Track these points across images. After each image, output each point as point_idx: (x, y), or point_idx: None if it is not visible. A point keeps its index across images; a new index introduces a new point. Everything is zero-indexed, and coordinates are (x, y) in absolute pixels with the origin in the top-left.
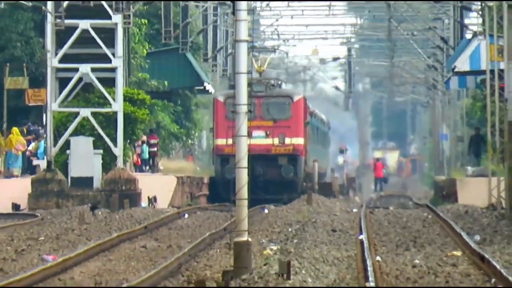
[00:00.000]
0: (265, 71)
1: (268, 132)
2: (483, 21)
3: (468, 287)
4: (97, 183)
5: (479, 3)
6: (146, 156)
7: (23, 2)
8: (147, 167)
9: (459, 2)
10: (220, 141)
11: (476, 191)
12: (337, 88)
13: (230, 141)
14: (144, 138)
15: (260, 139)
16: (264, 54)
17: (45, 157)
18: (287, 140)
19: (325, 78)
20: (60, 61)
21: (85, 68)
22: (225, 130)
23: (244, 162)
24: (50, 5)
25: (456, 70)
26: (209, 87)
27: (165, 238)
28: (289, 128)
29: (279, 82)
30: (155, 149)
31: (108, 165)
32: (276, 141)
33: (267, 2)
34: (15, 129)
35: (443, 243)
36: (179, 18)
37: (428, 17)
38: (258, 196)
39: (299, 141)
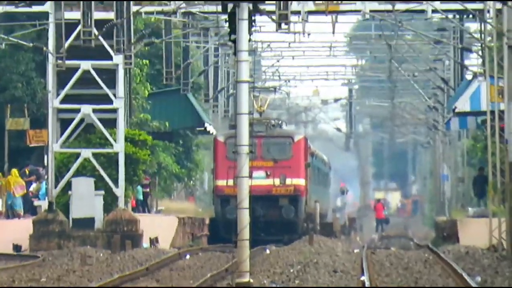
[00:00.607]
0: (266, 112)
1: (268, 173)
2: (483, 62)
3: None
4: (98, 224)
5: (479, 44)
6: (141, 197)
7: (24, 43)
8: (143, 208)
9: (459, 43)
10: (221, 182)
11: (477, 232)
12: (338, 129)
13: (230, 182)
14: None
15: (261, 179)
16: (264, 94)
17: (46, 198)
18: (288, 181)
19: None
20: (62, 102)
21: (86, 109)
22: (225, 170)
23: (246, 203)
24: (51, 45)
25: (456, 110)
26: (210, 127)
27: (167, 279)
28: (290, 169)
29: (280, 122)
30: (148, 189)
31: (109, 206)
32: (277, 181)
33: (268, 43)
34: (14, 171)
35: (444, 284)
36: (180, 59)
37: (429, 58)
38: (258, 236)
39: (300, 181)
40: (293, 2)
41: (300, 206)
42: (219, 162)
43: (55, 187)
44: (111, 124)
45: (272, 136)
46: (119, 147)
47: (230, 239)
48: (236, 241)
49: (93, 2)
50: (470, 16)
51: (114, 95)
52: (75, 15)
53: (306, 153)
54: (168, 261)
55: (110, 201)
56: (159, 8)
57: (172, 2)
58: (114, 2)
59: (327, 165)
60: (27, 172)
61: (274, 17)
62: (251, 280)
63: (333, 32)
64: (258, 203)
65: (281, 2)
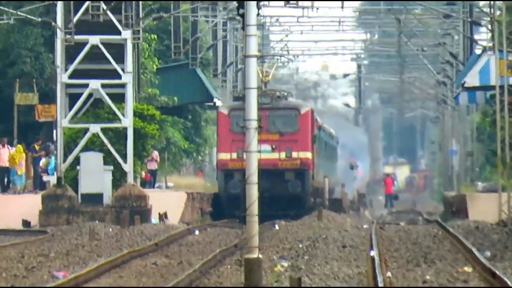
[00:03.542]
0: (271, 83)
1: (274, 146)
2: (493, 36)
3: None
4: (107, 200)
5: (488, 18)
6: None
7: (33, 18)
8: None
9: (468, 17)
10: (224, 156)
11: (486, 206)
12: (347, 105)
13: (234, 155)
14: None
15: (266, 153)
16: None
17: (55, 173)
18: (294, 154)
19: (335, 94)
20: (70, 77)
21: (95, 84)
22: (229, 144)
23: (255, 178)
24: (59, 20)
25: (465, 85)
26: (218, 103)
27: (176, 255)
28: (296, 142)
29: (285, 94)
30: (155, 167)
31: (118, 181)
32: (282, 155)
33: (276, 17)
34: (19, 147)
35: (453, 259)
36: (188, 34)
37: (438, 33)
38: (264, 212)
39: (307, 155)
40: None
41: (307, 181)
42: (222, 135)
43: (64, 162)
44: (119, 99)
45: (278, 108)
46: (127, 122)
47: (233, 214)
48: (243, 216)
49: None
50: None
51: (123, 70)
52: None
53: (313, 126)
54: (177, 236)
55: (118, 177)
56: None
57: None
58: None
59: (334, 139)
60: (36, 147)
61: None
62: (260, 256)
63: (342, 7)
64: (263, 178)
65: None
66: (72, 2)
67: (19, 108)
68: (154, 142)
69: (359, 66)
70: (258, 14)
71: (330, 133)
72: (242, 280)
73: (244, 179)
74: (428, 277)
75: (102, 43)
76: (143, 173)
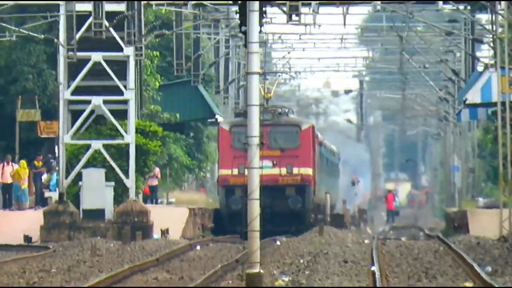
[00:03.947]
0: (272, 99)
1: (275, 162)
2: (495, 53)
3: None
4: (108, 215)
5: (490, 35)
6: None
7: (35, 35)
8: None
9: (470, 34)
10: (225, 172)
11: (487, 222)
12: (349, 121)
13: (235, 171)
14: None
15: (267, 169)
16: (271, 78)
17: (57, 189)
18: (295, 170)
19: (337, 110)
20: (72, 93)
21: (97, 100)
22: (230, 160)
23: (256, 194)
24: (62, 37)
25: (467, 102)
26: (220, 119)
27: (177, 270)
28: (297, 158)
29: (287, 110)
30: (156, 183)
31: (120, 197)
32: (283, 171)
33: (279, 34)
34: (22, 162)
35: (454, 275)
36: (191, 51)
37: (440, 50)
38: (264, 228)
39: (308, 171)
40: None
41: (307, 197)
42: (223, 151)
43: (66, 178)
44: (121, 115)
45: (279, 124)
46: (129, 138)
47: (234, 230)
48: (244, 232)
49: None
50: (481, 7)
51: (125, 86)
52: (86, 6)
53: (314, 142)
54: (178, 252)
55: (120, 192)
56: (169, 0)
57: None
58: None
59: (336, 155)
60: (36, 164)
61: (284, 8)
62: (262, 271)
63: (344, 24)
64: (264, 193)
65: None
66: (74, 19)
67: (21, 124)
68: (156, 158)
69: (361, 83)
70: (260, 32)
71: (332, 150)
72: None
73: (245, 195)
74: None
75: (105, 60)
76: (142, 187)
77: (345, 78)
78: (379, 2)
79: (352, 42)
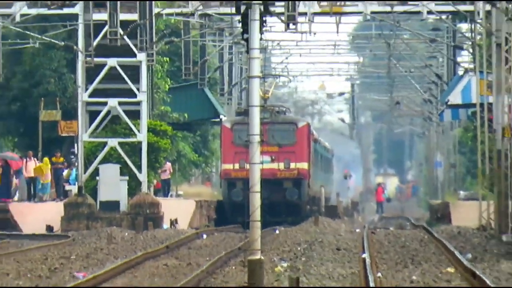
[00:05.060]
0: (272, 101)
1: (273, 157)
2: (474, 59)
3: None
4: (123, 207)
5: (470, 42)
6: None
7: (56, 42)
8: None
9: (452, 41)
10: (227, 166)
11: (468, 213)
12: (342, 120)
13: (236, 165)
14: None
15: (266, 164)
16: (268, 80)
17: (76, 183)
18: (292, 165)
19: (331, 111)
20: (90, 96)
21: (112, 102)
22: (232, 155)
23: (258, 187)
24: (81, 44)
25: (449, 103)
26: (224, 119)
27: (185, 257)
28: (293, 153)
29: (284, 109)
30: (168, 177)
31: (133, 190)
32: (281, 165)
33: (277, 41)
34: (45, 159)
35: (438, 261)
36: (197, 56)
37: (424, 56)
38: (264, 218)
39: (304, 165)
40: (300, 4)
41: (303, 189)
42: (225, 147)
43: (84, 173)
44: (135, 115)
45: (277, 122)
46: (142, 136)
47: (236, 220)
48: (246, 222)
49: (118, 4)
50: (462, 17)
51: (138, 89)
52: (103, 16)
53: (309, 139)
54: (186, 240)
55: (134, 186)
56: (178, 10)
57: (190, 4)
58: (138, 4)
59: (330, 152)
60: (54, 160)
61: (283, 18)
62: (262, 257)
63: (337, 32)
64: (263, 186)
65: (289, 4)
66: (92, 27)
67: (44, 124)
68: (166, 154)
69: (352, 86)
70: (260, 39)
71: (326, 146)
72: (246, 279)
73: (246, 187)
74: (414, 277)
75: (119, 65)
76: (155, 181)
77: (338, 82)
78: (368, 12)
79: (344, 49)
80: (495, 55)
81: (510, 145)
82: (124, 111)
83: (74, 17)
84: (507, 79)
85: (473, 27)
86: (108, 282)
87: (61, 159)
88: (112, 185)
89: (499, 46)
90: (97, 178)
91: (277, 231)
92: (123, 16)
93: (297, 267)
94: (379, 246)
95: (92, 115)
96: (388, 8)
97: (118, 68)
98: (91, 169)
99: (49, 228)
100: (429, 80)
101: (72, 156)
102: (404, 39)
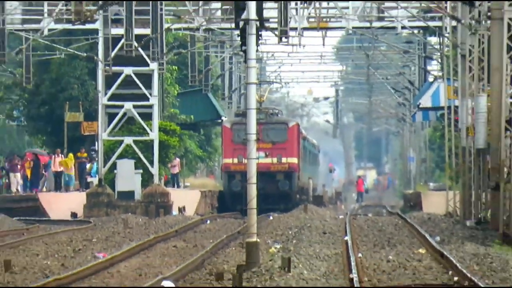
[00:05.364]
0: (267, 104)
1: (267, 153)
2: (442, 67)
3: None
4: (137, 196)
5: (438, 53)
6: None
7: (79, 53)
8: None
9: (423, 53)
10: (227, 160)
11: (436, 202)
12: (327, 121)
13: (235, 160)
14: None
15: (261, 158)
16: (263, 86)
17: (97, 175)
18: (284, 160)
19: (317, 113)
20: (109, 100)
21: (128, 105)
22: (231, 151)
23: (254, 179)
24: (100, 55)
25: (420, 106)
26: (225, 120)
27: (192, 239)
28: (285, 150)
29: (277, 111)
30: (177, 171)
31: (146, 182)
32: (274, 160)
33: (272, 52)
34: (70, 155)
35: (410, 243)
36: (202, 66)
37: (399, 65)
38: (259, 206)
39: (294, 160)
40: (291, 20)
41: (293, 181)
42: (226, 144)
43: (104, 167)
44: (147, 117)
45: (271, 122)
46: (154, 135)
47: (235, 208)
48: (244, 209)
49: (133, 20)
50: (432, 31)
51: (150, 94)
52: (119, 31)
53: (298, 137)
54: (192, 225)
55: (147, 178)
56: (185, 25)
57: (196, 20)
58: (150, 20)
59: (316, 148)
60: (79, 155)
61: (276, 32)
62: (258, 240)
63: (323, 44)
64: (259, 178)
65: (282, 20)
66: (110, 40)
67: (68, 124)
68: (175, 151)
69: (336, 91)
70: (257, 50)
71: (313, 144)
72: (244, 259)
73: (244, 179)
74: (390, 257)
75: (134, 73)
76: (163, 173)
77: (324, 87)
78: (350, 27)
79: (329, 59)
80: (460, 64)
81: (473, 143)
82: (138, 113)
83: (95, 31)
84: (470, 85)
85: (441, 40)
86: (124, 261)
87: (85, 154)
88: (128, 177)
89: (463, 57)
90: (115, 171)
91: (271, 217)
92: (137, 31)
93: (288, 248)
94: (359, 230)
95: (111, 117)
96: (367, 24)
97: (133, 75)
98: (109, 163)
99: (74, 214)
100: (403, 86)
101: (93, 152)
102: (381, 51)
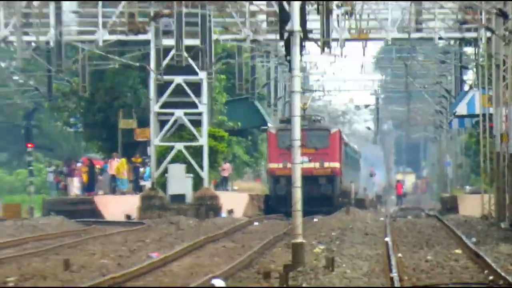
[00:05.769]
0: (310, 112)
1: (310, 158)
2: (477, 77)
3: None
4: (188, 199)
5: (474, 63)
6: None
7: (132, 63)
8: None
9: (459, 62)
10: (272, 165)
11: (472, 205)
12: (368, 128)
13: (280, 165)
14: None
15: (305, 163)
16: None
17: (150, 179)
18: (326, 164)
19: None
20: (160, 107)
21: (179, 113)
22: (276, 156)
23: (299, 183)
24: (152, 65)
25: (457, 114)
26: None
27: (240, 240)
28: (327, 155)
29: (319, 118)
30: (227, 175)
31: (196, 185)
32: (317, 165)
33: (315, 62)
34: (123, 160)
35: (448, 244)
36: (249, 75)
37: (436, 74)
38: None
39: (336, 165)
40: (333, 31)
41: (335, 184)
42: (271, 149)
43: (156, 171)
44: (197, 124)
45: (314, 129)
46: (203, 141)
47: (280, 210)
48: (289, 212)
49: (183, 32)
50: (467, 42)
51: (200, 102)
52: (170, 42)
53: (340, 142)
54: (240, 226)
55: (197, 182)
56: (233, 37)
57: (243, 32)
58: (199, 32)
59: (358, 154)
60: (134, 160)
61: (319, 43)
62: (303, 241)
63: (364, 54)
64: (302, 182)
65: (324, 31)
66: (161, 51)
67: (122, 131)
68: (223, 156)
69: (377, 99)
70: (300, 60)
71: (354, 149)
72: (290, 258)
73: (288, 183)
74: (429, 257)
75: (184, 82)
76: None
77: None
78: (390, 38)
79: (369, 68)
80: (495, 74)
81: (507, 148)
82: (189, 120)
83: (147, 42)
84: (504, 94)
85: (476, 51)
86: (177, 260)
87: (140, 159)
88: (179, 181)
89: (497, 66)
90: (167, 175)
91: (315, 219)
92: (187, 42)
93: (332, 249)
94: (399, 231)
95: (162, 123)
96: (406, 35)
97: (183, 84)
98: (161, 168)
99: (128, 216)
100: (440, 95)
101: (146, 157)
102: (419, 61)
